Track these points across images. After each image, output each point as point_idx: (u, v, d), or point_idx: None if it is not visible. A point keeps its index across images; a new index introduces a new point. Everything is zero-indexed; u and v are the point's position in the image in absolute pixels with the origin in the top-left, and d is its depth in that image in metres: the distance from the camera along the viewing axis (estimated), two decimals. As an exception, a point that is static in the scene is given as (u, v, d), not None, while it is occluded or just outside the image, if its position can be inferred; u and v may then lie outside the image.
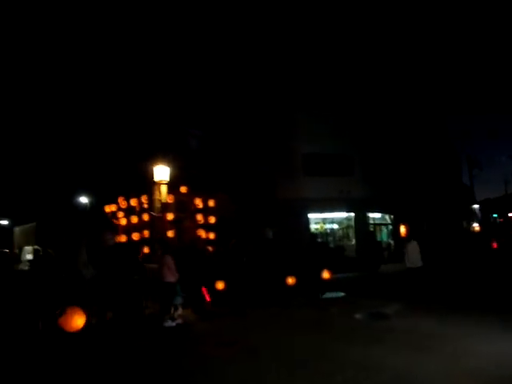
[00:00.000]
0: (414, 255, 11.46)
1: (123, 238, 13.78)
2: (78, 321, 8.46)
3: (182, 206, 14.20)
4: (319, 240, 20.27)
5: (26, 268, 18.59)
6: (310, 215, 22.79)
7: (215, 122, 24.30)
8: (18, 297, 9.52)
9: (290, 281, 11.83)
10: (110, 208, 14.97)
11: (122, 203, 14.57)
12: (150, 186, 14.01)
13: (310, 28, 22.74)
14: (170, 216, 13.46)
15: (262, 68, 23.94)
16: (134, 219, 13.86)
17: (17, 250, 27.23)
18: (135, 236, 13.38)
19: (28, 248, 25.72)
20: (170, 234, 13.12)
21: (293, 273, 12.02)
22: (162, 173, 13.69)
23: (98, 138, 25.41)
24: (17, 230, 33.44)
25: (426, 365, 5.88)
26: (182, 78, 23.96)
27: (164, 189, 13.79)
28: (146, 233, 13.42)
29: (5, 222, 33.18)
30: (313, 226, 23.01)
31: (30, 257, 22.68)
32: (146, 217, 13.69)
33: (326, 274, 12.19)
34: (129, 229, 13.81)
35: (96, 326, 8.90)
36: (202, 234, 14.13)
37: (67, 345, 7.78)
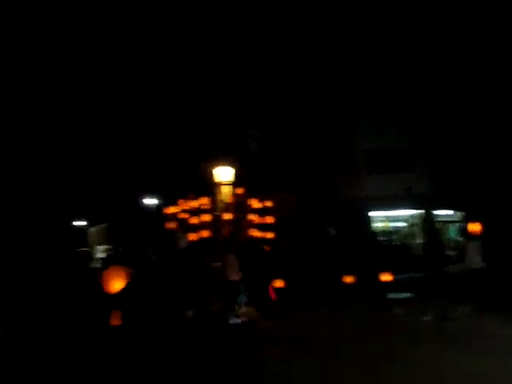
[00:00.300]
0: (476, 256, 10.81)
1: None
2: (116, 283, 8.72)
3: (240, 206, 14.42)
4: (381, 239, 19.82)
5: (99, 265, 19.78)
6: (373, 213, 22.21)
7: (275, 123, 24.41)
8: (93, 294, 10.15)
9: (348, 280, 11.62)
10: (171, 209, 15.38)
11: (183, 204, 15.01)
12: (212, 187, 14.39)
13: (374, 23, 22.22)
14: (228, 216, 13.70)
15: (321, 66, 23.72)
16: (194, 220, 14.23)
17: (90, 249, 29.01)
18: (193, 236, 13.66)
19: (100, 247, 27.44)
20: (228, 233, 13.37)
21: (351, 272, 11.83)
22: (224, 174, 14.23)
23: (162, 142, 26.43)
24: (92, 230, 35.74)
25: (500, 370, 5.51)
26: (243, 79, 24.29)
27: (227, 189, 14.17)
28: (205, 233, 13.66)
29: (83, 223, 35.44)
30: (377, 225, 22.45)
31: (101, 255, 24.10)
32: (206, 217, 13.98)
33: (386, 277, 11.85)
34: (188, 229, 14.15)
35: (173, 324, 9.27)
36: (258, 233, 14.21)
37: (139, 339, 8.21)
